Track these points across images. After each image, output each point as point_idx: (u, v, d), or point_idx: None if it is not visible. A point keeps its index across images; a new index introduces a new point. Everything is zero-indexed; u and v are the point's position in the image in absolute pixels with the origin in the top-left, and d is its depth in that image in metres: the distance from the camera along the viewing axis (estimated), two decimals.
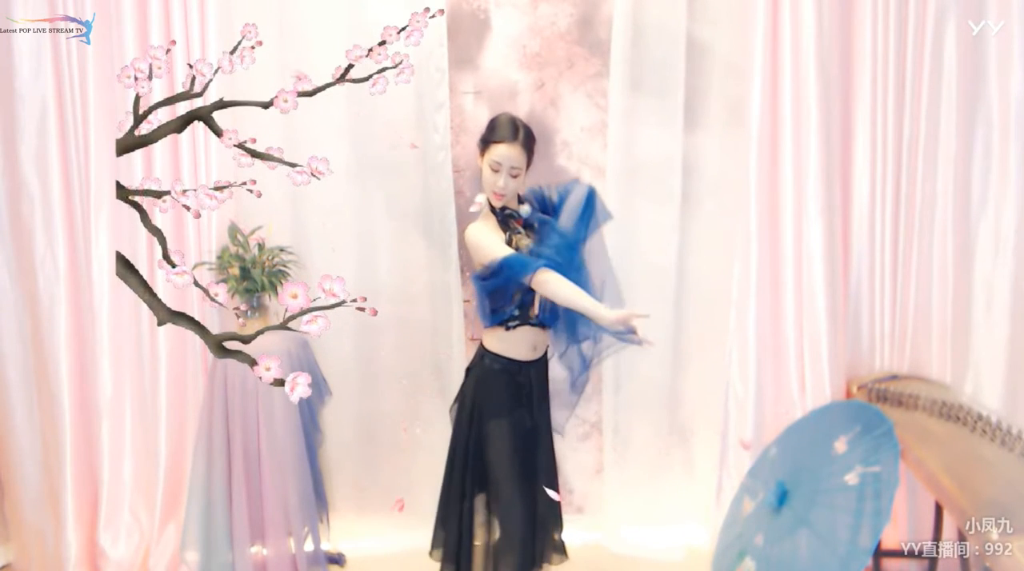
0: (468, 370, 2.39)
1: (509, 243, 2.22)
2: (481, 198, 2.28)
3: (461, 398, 2.39)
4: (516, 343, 2.28)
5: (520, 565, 2.24)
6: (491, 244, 2.19)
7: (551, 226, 2.24)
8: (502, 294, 2.20)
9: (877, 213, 2.81)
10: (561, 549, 2.51)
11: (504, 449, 2.26)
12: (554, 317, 2.27)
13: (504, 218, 2.25)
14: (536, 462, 2.38)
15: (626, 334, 2.06)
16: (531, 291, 2.21)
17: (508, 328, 2.26)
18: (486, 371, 2.31)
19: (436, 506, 3.25)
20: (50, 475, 2.93)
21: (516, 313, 2.26)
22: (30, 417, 2.91)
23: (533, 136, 2.24)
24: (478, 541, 2.37)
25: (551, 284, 2.10)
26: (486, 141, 2.22)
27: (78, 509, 2.94)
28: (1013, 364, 2.75)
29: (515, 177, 2.19)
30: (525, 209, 2.28)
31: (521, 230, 2.26)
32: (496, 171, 2.18)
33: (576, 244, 2.24)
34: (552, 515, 2.45)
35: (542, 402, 2.41)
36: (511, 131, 2.19)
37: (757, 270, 2.84)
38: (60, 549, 2.93)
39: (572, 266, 2.20)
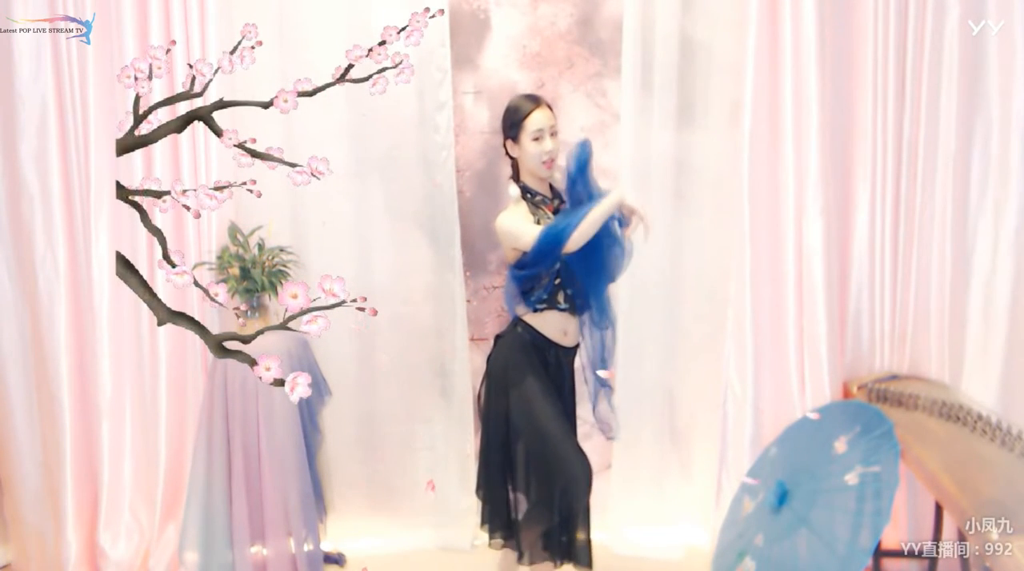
0: (497, 338, 2.41)
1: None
2: (515, 192, 2.31)
3: (488, 368, 2.40)
4: (547, 323, 2.33)
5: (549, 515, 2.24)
6: (522, 226, 2.23)
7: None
8: (536, 279, 2.26)
9: (877, 213, 2.81)
10: (586, 555, 2.36)
11: (531, 413, 2.26)
12: (583, 305, 2.35)
13: (536, 204, 2.31)
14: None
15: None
16: (556, 277, 2.27)
17: (536, 310, 2.32)
18: (516, 338, 2.34)
19: (436, 506, 3.26)
20: (50, 475, 2.93)
21: (544, 297, 2.30)
22: (30, 417, 2.91)
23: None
24: (519, 515, 2.37)
25: (581, 231, 2.16)
26: (517, 122, 2.26)
27: (78, 509, 2.94)
28: (1012, 364, 2.75)
29: (555, 135, 2.28)
30: (557, 177, 2.32)
31: (551, 216, 2.31)
32: (540, 139, 2.25)
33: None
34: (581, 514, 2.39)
35: (569, 394, 2.43)
36: (532, 99, 2.29)
37: (751, 269, 2.85)
38: (60, 549, 2.93)
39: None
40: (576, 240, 2.17)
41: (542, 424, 2.25)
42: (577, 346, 2.43)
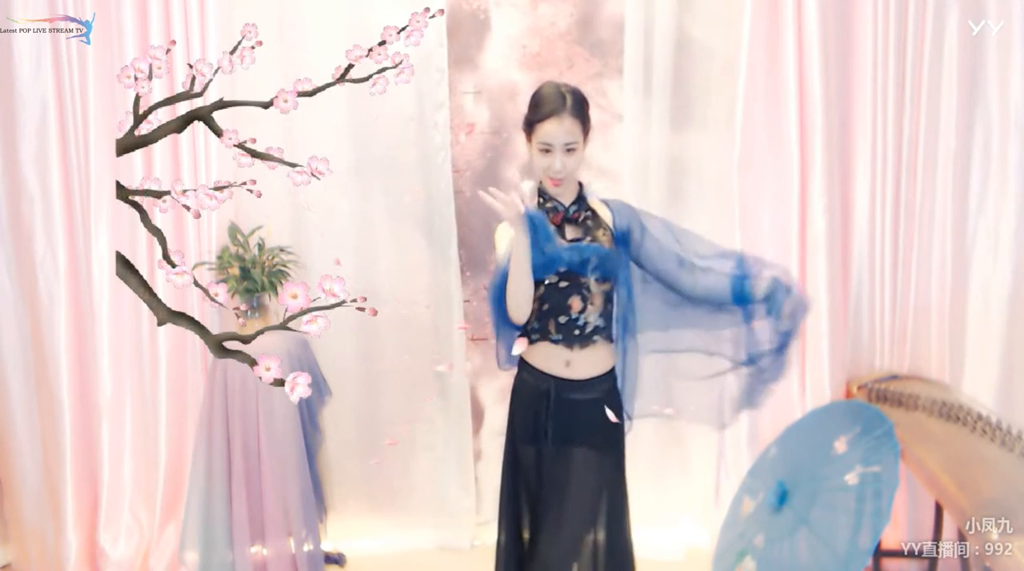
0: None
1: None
2: (528, 185, 1.89)
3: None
4: (543, 356, 2.02)
5: None
6: (501, 240, 1.98)
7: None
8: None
9: (877, 213, 2.81)
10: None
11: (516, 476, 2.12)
12: (579, 336, 2.00)
13: (547, 210, 1.96)
14: (544, 500, 2.07)
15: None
16: (544, 302, 1.97)
17: (531, 341, 2.03)
18: (516, 382, 2.12)
19: (436, 506, 3.25)
20: (50, 475, 2.93)
21: (536, 326, 2.00)
22: (30, 417, 2.92)
23: (584, 100, 1.93)
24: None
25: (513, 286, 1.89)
26: (530, 122, 1.92)
27: (78, 509, 2.94)
28: (1012, 364, 2.75)
29: (572, 152, 1.90)
30: (594, 198, 2.03)
31: (553, 229, 1.93)
32: (548, 152, 1.89)
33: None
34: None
35: (571, 434, 2.02)
36: (558, 103, 1.87)
37: None
38: (60, 549, 2.93)
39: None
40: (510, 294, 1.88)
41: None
42: (600, 377, 2.05)
